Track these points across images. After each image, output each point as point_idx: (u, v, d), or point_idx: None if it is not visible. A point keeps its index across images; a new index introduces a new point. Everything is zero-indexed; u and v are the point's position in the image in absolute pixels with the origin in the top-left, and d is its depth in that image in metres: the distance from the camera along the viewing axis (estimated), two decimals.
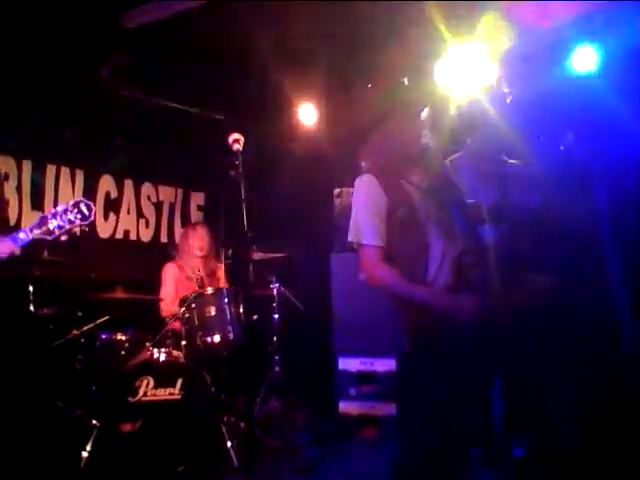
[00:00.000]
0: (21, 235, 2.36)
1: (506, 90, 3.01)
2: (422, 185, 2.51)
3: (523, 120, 3.06)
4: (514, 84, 3.42)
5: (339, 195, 4.89)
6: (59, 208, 2.39)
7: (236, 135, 2.62)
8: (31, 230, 2.36)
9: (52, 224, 2.35)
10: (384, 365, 4.50)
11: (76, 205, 2.36)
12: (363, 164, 2.66)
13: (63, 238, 2.40)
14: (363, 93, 4.78)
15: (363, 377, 4.59)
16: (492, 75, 4.08)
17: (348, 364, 4.64)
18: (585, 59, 4.08)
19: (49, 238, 2.37)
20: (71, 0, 3.76)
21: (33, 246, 2.45)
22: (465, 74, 4.14)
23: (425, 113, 2.63)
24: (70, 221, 2.36)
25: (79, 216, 2.36)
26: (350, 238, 2.52)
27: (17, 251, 2.34)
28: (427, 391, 2.36)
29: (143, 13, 4.09)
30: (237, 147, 2.62)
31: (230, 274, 4.67)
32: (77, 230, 2.43)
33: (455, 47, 4.00)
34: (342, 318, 4.64)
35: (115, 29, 4.05)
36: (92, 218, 2.39)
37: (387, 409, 4.41)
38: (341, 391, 4.65)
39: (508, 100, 3.00)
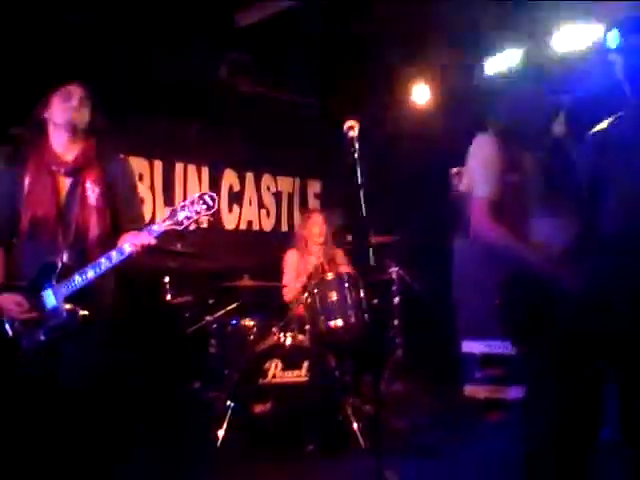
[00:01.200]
0: (154, 227, 2.51)
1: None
2: (541, 161, 2.45)
3: None
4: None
5: (458, 173, 4.79)
6: (186, 201, 2.50)
7: (351, 122, 2.65)
8: (163, 222, 2.50)
9: (181, 215, 2.47)
10: (510, 347, 4.37)
11: (201, 197, 2.49)
12: (492, 124, 2.58)
13: (192, 228, 2.53)
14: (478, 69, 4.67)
15: (488, 360, 4.50)
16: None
17: (472, 347, 4.57)
18: None
19: (179, 228, 2.49)
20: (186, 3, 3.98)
21: (166, 238, 2.61)
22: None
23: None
24: (197, 212, 2.47)
25: (204, 207, 2.47)
26: (461, 188, 2.59)
27: (153, 242, 2.50)
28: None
29: (255, 11, 4.25)
30: (352, 134, 2.65)
31: (350, 259, 4.74)
32: (204, 220, 2.55)
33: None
34: (465, 300, 4.56)
35: (230, 28, 4.23)
36: (215, 208, 2.50)
37: (514, 392, 4.30)
38: (466, 374, 4.59)
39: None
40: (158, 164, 4.88)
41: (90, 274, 2.49)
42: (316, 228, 4.68)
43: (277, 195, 5.67)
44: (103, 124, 2.73)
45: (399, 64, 4.93)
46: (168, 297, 4.29)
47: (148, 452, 3.50)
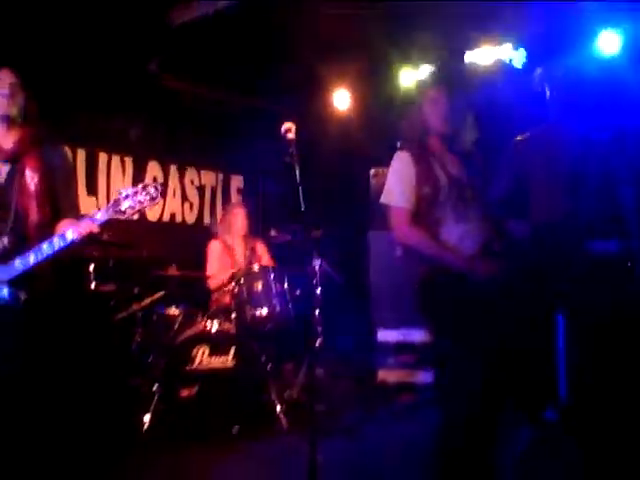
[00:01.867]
0: (98, 215, 2.54)
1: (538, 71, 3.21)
2: (451, 171, 2.80)
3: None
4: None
5: (375, 175, 5.10)
6: (129, 190, 2.53)
7: (288, 124, 2.82)
8: (106, 210, 2.53)
9: (124, 205, 2.51)
10: (421, 335, 4.73)
11: (144, 187, 2.54)
12: (399, 143, 2.94)
13: (134, 217, 2.58)
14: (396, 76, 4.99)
15: (401, 347, 4.84)
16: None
17: (387, 335, 4.90)
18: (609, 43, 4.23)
19: (122, 217, 2.53)
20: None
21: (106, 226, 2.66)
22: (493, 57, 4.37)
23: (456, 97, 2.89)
24: (140, 202, 2.51)
25: (147, 197, 2.52)
26: (381, 200, 2.86)
27: (96, 230, 2.54)
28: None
29: (188, 10, 4.35)
30: (290, 136, 2.81)
31: (270, 251, 4.94)
32: (146, 210, 2.62)
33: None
34: (380, 292, 4.89)
35: (162, 26, 4.31)
36: (159, 199, 2.57)
37: (424, 377, 4.67)
38: (380, 361, 4.91)
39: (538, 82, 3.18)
40: (81, 153, 4.85)
41: (32, 259, 2.52)
42: (238, 220, 4.85)
43: (200, 188, 5.76)
44: (36, 110, 2.75)
45: (322, 68, 5.16)
46: (92, 285, 4.30)
47: (73, 438, 3.52)
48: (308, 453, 2.67)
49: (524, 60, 4.54)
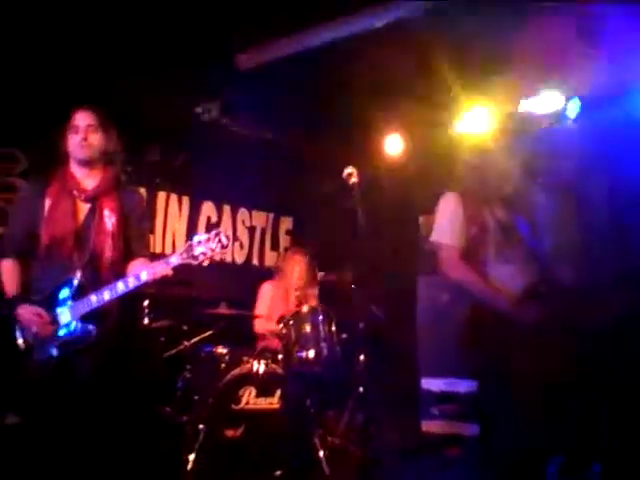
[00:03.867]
0: (172, 259, 2.63)
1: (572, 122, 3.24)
2: (502, 219, 2.89)
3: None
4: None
5: (425, 222, 5.13)
6: (202, 237, 2.61)
7: (350, 169, 2.90)
8: (180, 255, 2.61)
9: (197, 250, 2.59)
10: (466, 386, 4.66)
11: (217, 235, 2.62)
12: (456, 186, 3.04)
13: (205, 264, 2.63)
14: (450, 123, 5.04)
15: (445, 397, 4.78)
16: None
17: (431, 384, 4.84)
18: None
19: (194, 263, 2.60)
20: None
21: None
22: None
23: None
24: (212, 249, 2.58)
25: (219, 245, 2.60)
26: (432, 238, 2.95)
27: (170, 273, 2.63)
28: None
29: (254, 55, 4.52)
30: (353, 180, 2.88)
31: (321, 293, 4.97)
32: (217, 257, 2.65)
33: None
34: (428, 338, 4.86)
35: (227, 69, 4.48)
36: (229, 247, 2.65)
37: (470, 429, 4.58)
38: (424, 410, 4.84)
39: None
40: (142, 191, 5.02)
41: (106, 296, 2.64)
42: (297, 268, 4.80)
43: (251, 229, 5.87)
44: (119, 149, 2.88)
45: (374, 115, 5.26)
46: (146, 321, 4.40)
47: (121, 474, 3.57)
48: None
49: (578, 110, 4.54)
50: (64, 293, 2.67)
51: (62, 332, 2.65)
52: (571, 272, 3.09)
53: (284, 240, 6.13)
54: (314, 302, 4.86)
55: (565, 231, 3.10)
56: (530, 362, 2.72)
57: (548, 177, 3.34)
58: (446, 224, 2.95)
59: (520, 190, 3.02)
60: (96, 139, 2.78)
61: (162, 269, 2.62)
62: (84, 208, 2.79)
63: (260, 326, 4.71)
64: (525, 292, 2.80)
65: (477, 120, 4.76)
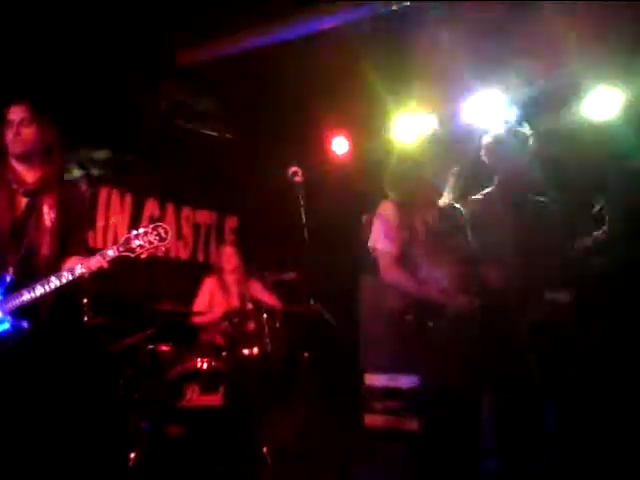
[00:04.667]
0: (109, 252, 2.61)
1: (527, 131, 3.38)
2: (429, 224, 3.12)
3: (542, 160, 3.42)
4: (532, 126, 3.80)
5: (367, 221, 5.20)
6: (140, 230, 2.61)
7: (295, 168, 2.93)
8: (117, 248, 2.60)
9: (134, 244, 2.59)
10: (408, 382, 4.77)
11: (155, 228, 2.61)
12: (389, 193, 3.25)
13: (143, 256, 2.63)
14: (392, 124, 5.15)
15: (388, 392, 4.88)
16: (512, 116, 4.46)
17: (374, 379, 4.93)
18: (602, 104, 4.37)
19: (132, 255, 2.59)
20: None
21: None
22: (488, 114, 4.53)
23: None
24: (150, 242, 2.59)
25: (157, 238, 2.60)
26: (369, 244, 3.16)
27: (105, 265, 2.60)
28: None
29: (194, 53, 4.52)
30: (298, 179, 2.91)
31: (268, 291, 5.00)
32: (155, 251, 2.65)
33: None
34: (370, 335, 4.95)
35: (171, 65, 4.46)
36: (168, 240, 2.63)
37: (411, 424, 4.69)
38: (367, 405, 4.93)
39: (529, 140, 3.35)
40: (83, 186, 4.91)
41: (38, 291, 2.58)
42: (227, 259, 4.94)
43: (196, 226, 5.84)
44: (56, 144, 2.81)
45: (321, 114, 5.33)
46: (85, 318, 4.32)
47: (61, 472, 3.51)
48: None
49: (515, 117, 4.69)
50: None
51: None
52: (499, 273, 3.26)
53: (230, 237, 6.12)
54: (263, 296, 4.89)
55: (497, 233, 3.24)
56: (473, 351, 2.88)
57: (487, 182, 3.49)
58: (381, 230, 3.15)
59: (451, 197, 3.24)
60: (29, 133, 2.70)
61: (97, 262, 2.59)
62: (22, 202, 2.72)
63: (202, 319, 4.71)
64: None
65: (406, 127, 4.87)
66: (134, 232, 2.63)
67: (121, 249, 2.61)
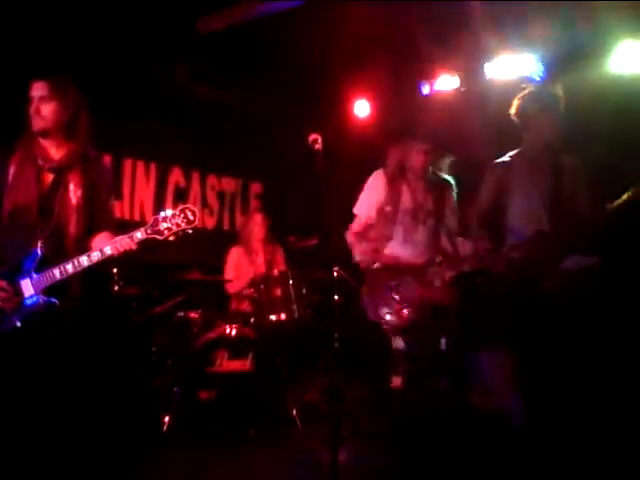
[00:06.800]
0: (138, 234, 2.61)
1: (559, 90, 3.29)
2: (418, 198, 3.34)
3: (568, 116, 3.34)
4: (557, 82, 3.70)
5: None
6: (168, 212, 2.60)
7: (315, 135, 2.91)
8: (145, 230, 2.60)
9: (162, 226, 2.58)
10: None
11: (182, 210, 2.59)
12: (387, 161, 3.48)
13: (171, 239, 2.62)
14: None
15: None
16: (541, 74, 4.36)
17: (399, 343, 4.96)
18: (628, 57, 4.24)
19: (160, 238, 2.60)
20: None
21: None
22: (514, 73, 4.43)
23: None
24: (177, 224, 2.58)
25: (185, 220, 2.59)
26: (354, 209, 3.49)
27: (134, 247, 2.62)
28: None
29: (216, 19, 4.47)
30: (317, 146, 2.89)
31: (291, 257, 5.04)
32: (181, 233, 2.62)
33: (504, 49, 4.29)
34: None
35: (192, 33, 4.43)
36: (196, 223, 2.60)
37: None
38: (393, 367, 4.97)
39: (561, 100, 3.26)
40: (107, 158, 4.97)
41: (70, 269, 2.62)
42: (256, 227, 4.96)
43: (220, 194, 5.87)
44: (79, 119, 2.81)
45: (343, 78, 5.27)
46: (116, 288, 4.42)
47: (95, 437, 3.63)
48: (326, 455, 2.77)
49: (541, 74, 4.56)
50: (27, 265, 2.64)
51: (26, 304, 2.63)
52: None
53: (255, 203, 6.16)
54: (282, 265, 4.95)
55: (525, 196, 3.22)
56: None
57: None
58: (363, 198, 3.42)
59: (439, 169, 3.49)
60: (48, 110, 2.70)
61: (126, 243, 2.61)
62: (49, 178, 2.75)
63: (233, 288, 4.78)
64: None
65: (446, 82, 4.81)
66: (162, 214, 2.61)
67: (149, 231, 2.60)
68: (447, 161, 3.76)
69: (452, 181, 3.62)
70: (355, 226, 3.51)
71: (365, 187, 3.49)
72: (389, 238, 3.38)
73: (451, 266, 3.24)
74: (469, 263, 3.25)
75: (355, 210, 3.52)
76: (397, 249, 3.35)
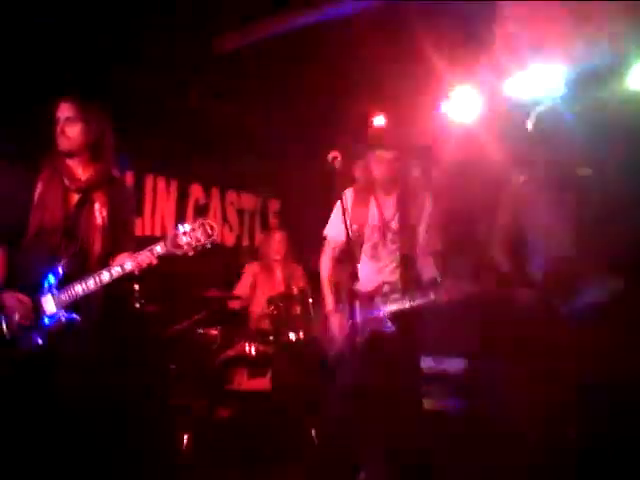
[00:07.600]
0: (157, 248, 2.65)
1: (577, 106, 3.27)
2: (385, 214, 3.22)
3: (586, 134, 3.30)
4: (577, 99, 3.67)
5: None
6: (187, 227, 2.62)
7: (335, 153, 2.91)
8: (165, 244, 2.64)
9: (182, 240, 2.62)
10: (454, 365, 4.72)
11: (202, 225, 2.63)
12: (357, 176, 3.37)
13: (190, 254, 2.65)
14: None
15: (433, 376, 4.84)
16: (560, 90, 4.32)
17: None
18: None
19: (179, 253, 2.63)
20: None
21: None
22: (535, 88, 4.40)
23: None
24: (197, 238, 2.61)
25: (204, 235, 2.62)
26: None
27: (154, 261, 2.65)
28: None
29: (232, 39, 4.52)
30: (337, 164, 2.89)
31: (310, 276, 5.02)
32: (200, 248, 2.66)
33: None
34: None
35: (209, 53, 4.47)
36: (215, 237, 2.63)
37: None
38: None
39: (579, 115, 3.23)
40: (129, 176, 5.03)
41: (91, 285, 2.65)
42: (276, 244, 4.94)
43: (240, 211, 5.89)
44: (105, 140, 2.84)
45: (361, 93, 5.27)
46: (137, 305, 4.43)
47: (114, 454, 3.63)
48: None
49: (560, 91, 4.51)
50: (49, 281, 2.66)
51: (47, 321, 2.65)
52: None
53: (274, 221, 6.16)
54: (301, 283, 4.93)
55: (544, 215, 3.16)
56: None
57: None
58: (332, 219, 3.30)
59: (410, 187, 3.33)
60: (74, 132, 2.73)
61: (147, 257, 2.63)
62: (74, 198, 2.77)
63: (239, 303, 4.77)
64: (374, 291, 3.17)
65: (463, 100, 4.78)
66: (181, 229, 2.63)
67: (169, 246, 2.63)
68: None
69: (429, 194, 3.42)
70: (324, 249, 3.37)
71: (335, 207, 3.29)
72: (358, 259, 3.17)
73: (412, 295, 3.12)
74: (433, 293, 3.10)
75: (325, 232, 3.36)
76: (363, 267, 3.13)
